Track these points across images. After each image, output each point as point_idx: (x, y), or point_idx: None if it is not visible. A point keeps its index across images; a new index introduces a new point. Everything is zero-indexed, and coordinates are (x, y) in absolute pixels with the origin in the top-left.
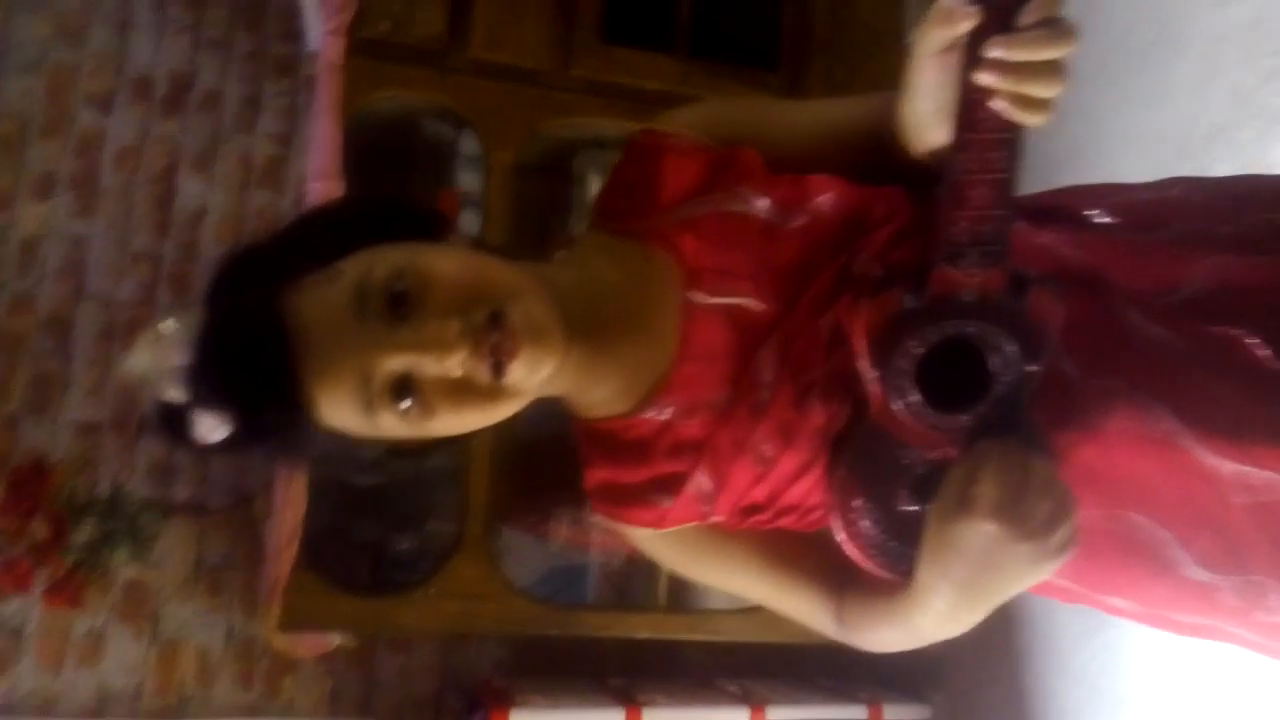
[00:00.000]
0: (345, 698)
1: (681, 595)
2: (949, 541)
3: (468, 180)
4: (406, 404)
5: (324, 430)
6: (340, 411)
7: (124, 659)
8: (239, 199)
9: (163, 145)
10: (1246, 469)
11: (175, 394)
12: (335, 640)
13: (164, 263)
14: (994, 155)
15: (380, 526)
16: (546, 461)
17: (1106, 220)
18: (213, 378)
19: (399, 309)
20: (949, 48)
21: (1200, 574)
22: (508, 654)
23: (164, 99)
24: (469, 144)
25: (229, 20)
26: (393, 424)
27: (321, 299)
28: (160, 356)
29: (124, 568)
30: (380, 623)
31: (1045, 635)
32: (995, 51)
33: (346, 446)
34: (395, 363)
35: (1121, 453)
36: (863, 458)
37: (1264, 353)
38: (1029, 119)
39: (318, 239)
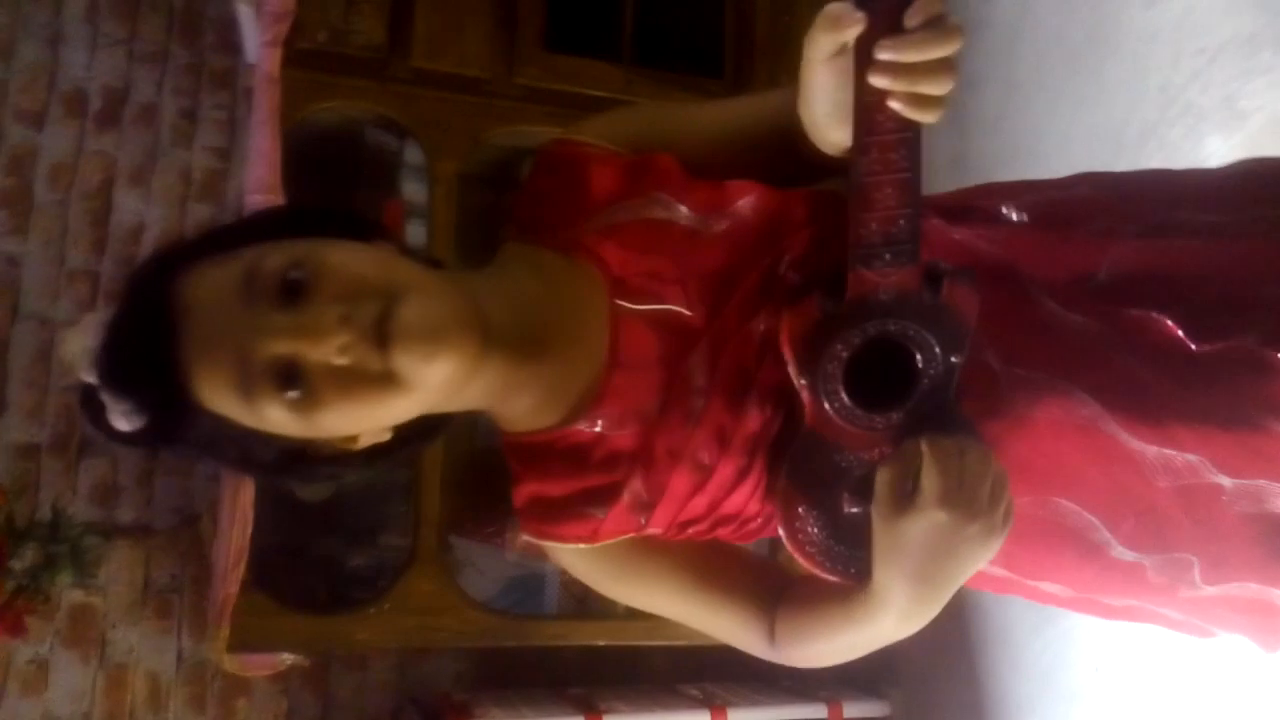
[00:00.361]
0: (301, 717)
1: None
2: (900, 538)
3: (412, 190)
4: (293, 394)
5: (213, 418)
6: (219, 395)
7: (71, 686)
8: (178, 214)
9: (98, 160)
10: (1168, 452)
11: (89, 376)
12: (287, 660)
13: (102, 280)
14: (895, 155)
15: (331, 543)
16: (500, 472)
17: (1016, 218)
18: (105, 359)
19: (291, 297)
20: (839, 52)
21: (1126, 554)
22: (467, 667)
23: (98, 114)
24: (413, 154)
25: (164, 33)
26: (278, 415)
27: (211, 280)
28: (85, 339)
29: (68, 592)
30: (334, 641)
31: (998, 630)
32: (885, 54)
33: (245, 442)
34: (274, 347)
35: (1048, 441)
36: (801, 465)
37: (1178, 335)
38: (925, 116)
39: (230, 231)
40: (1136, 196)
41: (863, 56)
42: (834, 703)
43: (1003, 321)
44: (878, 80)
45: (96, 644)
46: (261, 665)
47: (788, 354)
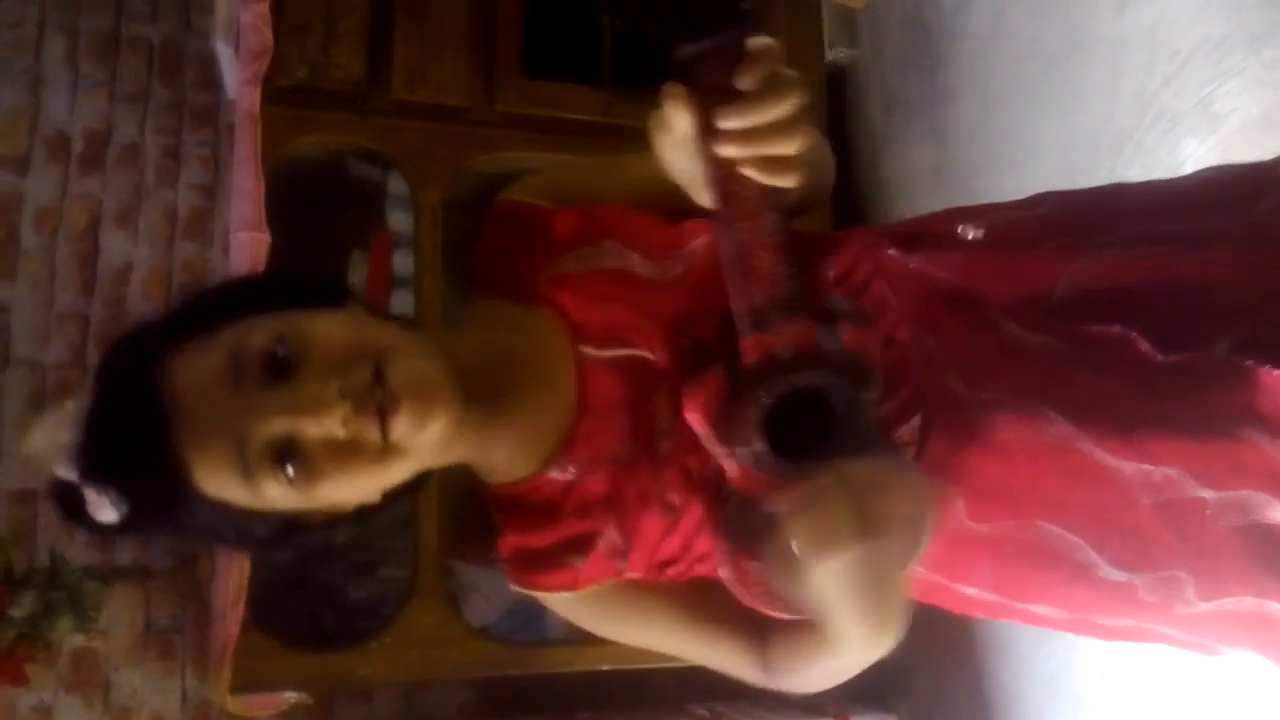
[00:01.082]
0: None
1: None
2: (831, 586)
3: (398, 220)
4: (289, 469)
5: (209, 503)
6: (218, 480)
7: None
8: (165, 253)
9: (83, 203)
10: (1145, 467)
11: (65, 472)
12: (291, 698)
13: (92, 322)
14: (762, 221)
15: (332, 578)
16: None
17: (972, 236)
18: (91, 454)
19: (278, 373)
20: (681, 140)
21: (1115, 574)
22: (472, 697)
23: (81, 156)
24: (396, 185)
25: (145, 73)
26: (278, 492)
27: (195, 368)
28: (54, 434)
29: (69, 637)
30: (337, 677)
31: (1004, 639)
32: (727, 123)
33: (239, 518)
34: (272, 426)
35: (1022, 463)
36: (738, 527)
37: (1145, 348)
38: (781, 180)
39: (201, 311)
40: (1098, 211)
41: (705, 133)
42: (842, 716)
43: (965, 347)
44: (726, 150)
45: (100, 688)
46: (265, 705)
47: (699, 426)
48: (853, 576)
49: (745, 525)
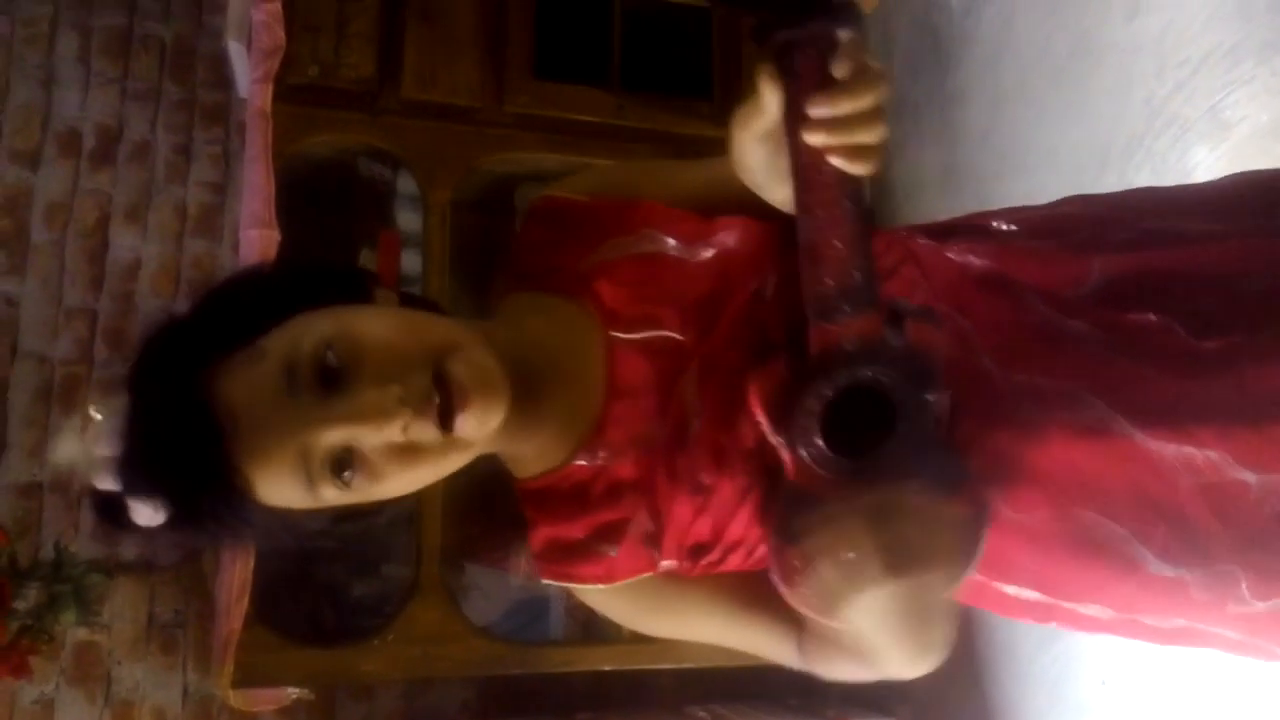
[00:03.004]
0: None
1: None
2: (864, 621)
3: (407, 220)
4: (348, 474)
5: (266, 508)
6: (281, 492)
7: None
8: (174, 249)
9: (93, 199)
10: (1187, 449)
11: (108, 484)
12: (293, 693)
13: (100, 318)
14: (839, 210)
15: (335, 574)
16: (503, 495)
17: (1006, 229)
18: (145, 470)
19: (332, 381)
20: (770, 130)
21: (1165, 569)
22: (473, 695)
23: (92, 152)
24: (406, 184)
25: (156, 71)
26: (336, 495)
27: (249, 381)
28: (88, 446)
29: (72, 631)
30: (339, 674)
31: (1005, 644)
32: (820, 110)
33: (293, 519)
34: (334, 436)
35: (1059, 448)
36: (789, 521)
37: (1180, 333)
38: (863, 169)
39: (239, 314)
40: (1124, 208)
41: (793, 119)
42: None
43: (1000, 329)
44: (813, 138)
45: (102, 681)
46: (268, 700)
47: (760, 415)
48: (885, 609)
49: (796, 521)
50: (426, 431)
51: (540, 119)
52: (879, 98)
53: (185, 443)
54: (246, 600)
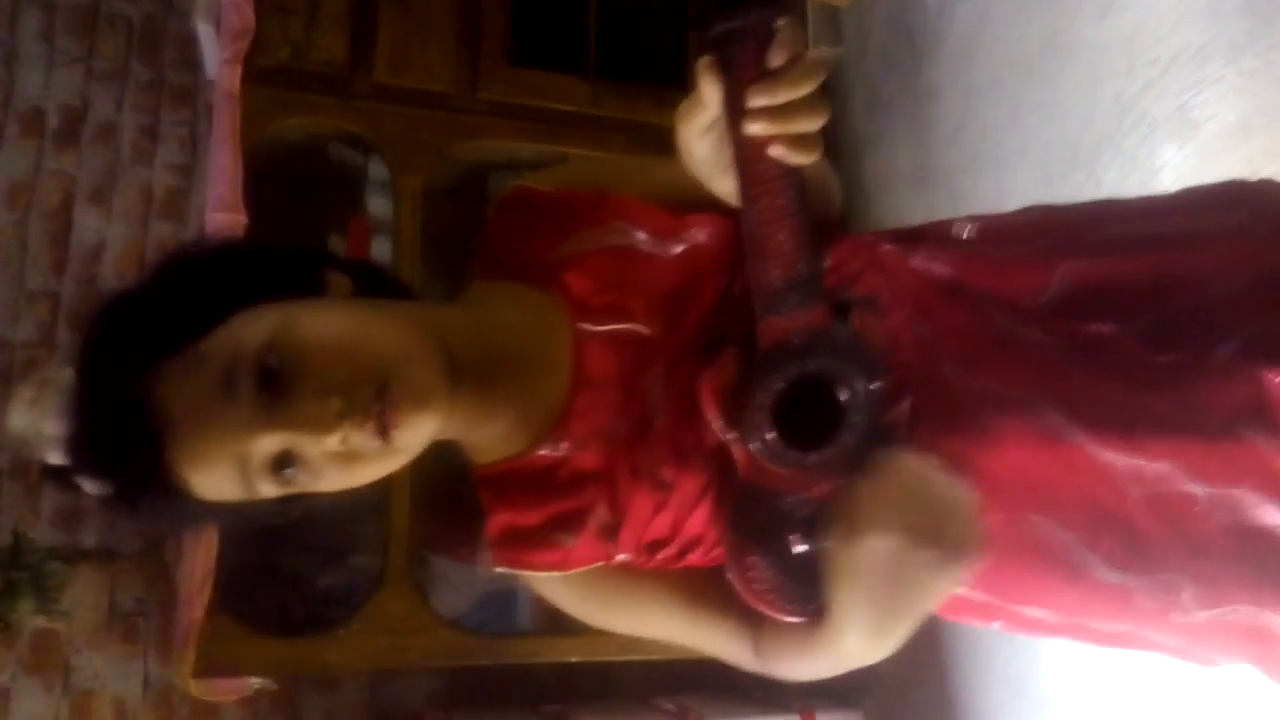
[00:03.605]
0: None
1: None
2: (855, 565)
3: (378, 206)
4: (290, 471)
5: (206, 501)
6: (219, 491)
7: (34, 714)
8: (139, 232)
9: (57, 180)
10: (1138, 461)
11: (56, 459)
12: (255, 684)
13: (63, 301)
14: (783, 200)
15: (300, 564)
16: (470, 488)
17: (967, 235)
18: (87, 457)
19: (273, 384)
20: (712, 124)
21: (1111, 575)
22: (439, 686)
23: (56, 132)
24: (377, 170)
25: (123, 50)
26: (277, 490)
27: (187, 385)
28: (38, 419)
29: (30, 619)
30: (303, 663)
31: (968, 638)
32: (760, 99)
33: (235, 508)
34: (270, 443)
35: (1013, 454)
36: (746, 517)
37: (1135, 345)
38: (805, 157)
39: (185, 306)
40: (1088, 214)
41: (734, 110)
42: (807, 713)
43: (960, 337)
44: (754, 128)
45: (60, 670)
46: (229, 690)
47: (711, 411)
48: (882, 565)
49: (751, 519)
50: (366, 441)
51: (514, 106)
52: (816, 84)
53: (121, 441)
54: (209, 589)
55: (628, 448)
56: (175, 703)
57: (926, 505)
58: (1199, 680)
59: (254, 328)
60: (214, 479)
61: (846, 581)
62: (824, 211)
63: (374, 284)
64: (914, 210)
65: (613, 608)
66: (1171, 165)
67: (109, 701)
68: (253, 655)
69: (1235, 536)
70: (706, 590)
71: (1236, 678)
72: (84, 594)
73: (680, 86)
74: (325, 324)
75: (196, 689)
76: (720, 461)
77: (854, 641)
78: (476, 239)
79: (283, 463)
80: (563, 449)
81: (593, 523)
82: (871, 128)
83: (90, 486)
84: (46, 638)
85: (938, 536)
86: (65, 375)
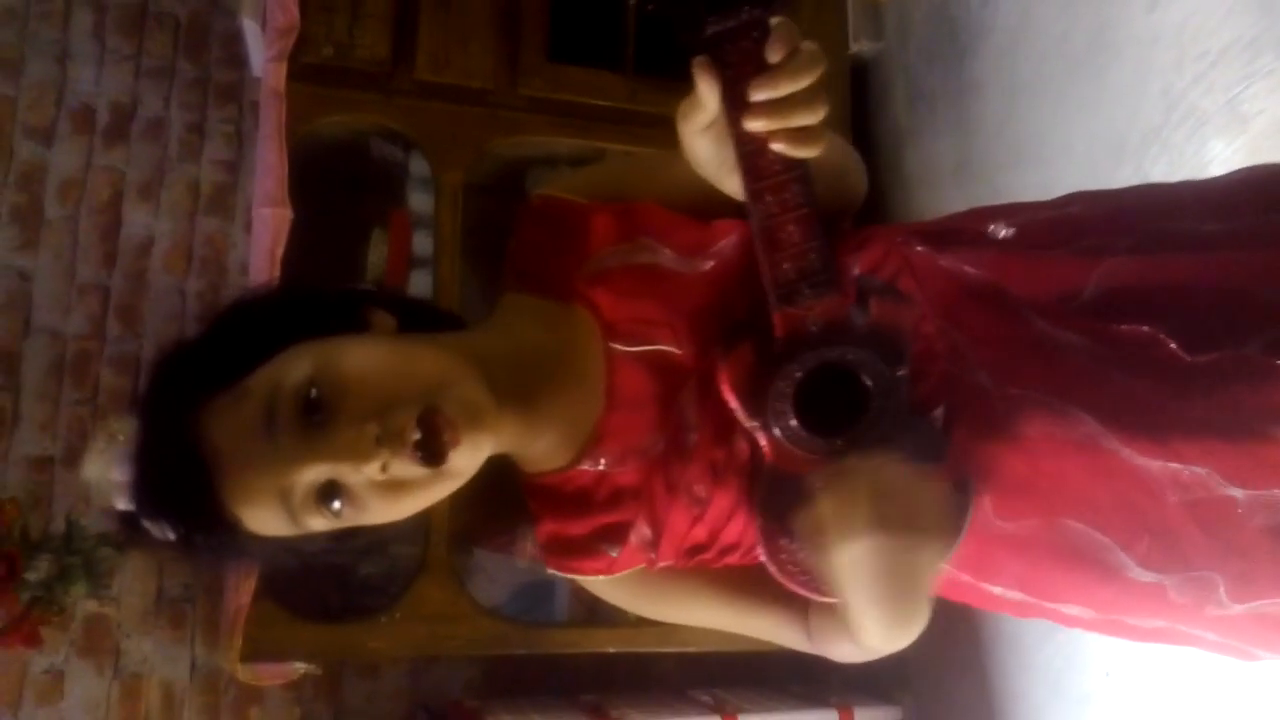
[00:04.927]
0: None
1: None
2: (847, 570)
3: (419, 201)
4: (336, 505)
5: (261, 537)
6: (269, 526)
7: (85, 696)
8: (187, 227)
9: (107, 175)
10: (1173, 466)
11: (122, 505)
12: (300, 669)
13: (112, 294)
14: (789, 194)
15: (342, 552)
16: (510, 481)
17: (1003, 235)
18: (146, 500)
19: (314, 416)
20: (711, 123)
21: (1145, 575)
22: (478, 674)
23: (106, 129)
24: (418, 165)
25: (171, 48)
26: (326, 524)
27: (231, 422)
28: (107, 469)
29: (82, 603)
30: (345, 650)
31: (1009, 634)
32: (760, 94)
33: (292, 544)
34: (312, 474)
35: (1048, 460)
36: (776, 501)
37: (1173, 347)
38: (807, 150)
39: (231, 349)
40: (1130, 210)
41: (733, 108)
42: (845, 708)
43: (993, 343)
44: (755, 124)
45: (111, 654)
46: (274, 674)
47: (732, 401)
48: (868, 565)
49: (779, 502)
50: (408, 469)
51: (553, 103)
52: (815, 77)
53: (174, 482)
54: (256, 575)
55: (663, 465)
56: (221, 687)
57: (891, 496)
58: (1241, 681)
59: (296, 363)
60: (262, 514)
61: (844, 589)
62: (845, 197)
63: (418, 317)
64: (954, 206)
65: (661, 602)
66: (1220, 160)
67: (157, 685)
68: (297, 641)
69: (1275, 536)
70: (750, 580)
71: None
72: (133, 580)
73: None
74: (365, 355)
75: (243, 673)
76: (754, 474)
77: (873, 637)
78: (507, 248)
79: (328, 494)
80: (602, 465)
81: (634, 536)
82: (913, 121)
83: (155, 531)
84: (98, 622)
85: (910, 522)
86: (131, 424)
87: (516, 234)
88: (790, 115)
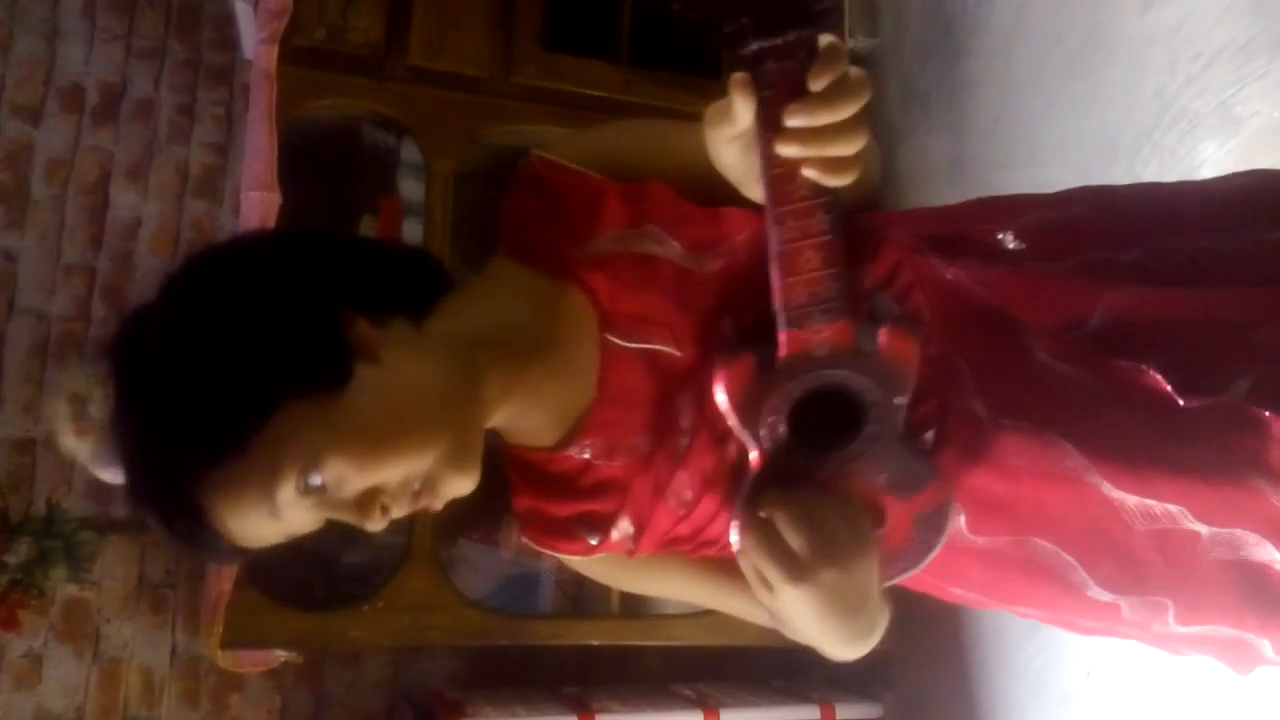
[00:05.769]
0: (294, 713)
1: (634, 601)
2: (788, 614)
3: (409, 188)
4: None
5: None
6: (265, 541)
7: (64, 680)
8: (175, 209)
9: (95, 156)
10: (1149, 501)
11: (107, 478)
12: (281, 656)
13: (98, 276)
14: (813, 221)
15: (326, 540)
16: (495, 471)
17: (1013, 246)
18: (140, 508)
19: (318, 493)
20: (740, 135)
21: (1103, 595)
22: (461, 665)
23: (95, 109)
24: (410, 152)
25: (162, 29)
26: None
27: (234, 499)
28: (90, 459)
29: (62, 587)
30: (327, 638)
31: (990, 633)
32: (796, 120)
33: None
34: (315, 521)
35: (1029, 486)
36: (756, 503)
37: (1166, 387)
38: (840, 180)
39: (223, 413)
40: (1134, 214)
41: (767, 130)
42: (826, 704)
43: (993, 371)
44: (787, 150)
45: (90, 639)
46: (255, 662)
47: (727, 408)
48: (804, 606)
49: (760, 500)
50: (403, 509)
51: (547, 91)
52: (857, 107)
53: (171, 526)
54: (237, 562)
55: (652, 465)
56: (202, 673)
57: (794, 538)
58: (1221, 681)
59: (294, 447)
60: (259, 542)
61: (793, 625)
62: (863, 193)
63: (404, 296)
64: (948, 204)
65: (640, 578)
66: (1212, 162)
67: (137, 670)
68: (279, 628)
69: (1231, 570)
70: (726, 563)
71: (1262, 680)
72: (114, 564)
73: (713, 75)
74: (362, 438)
75: (224, 660)
76: (737, 478)
77: (838, 654)
78: (501, 209)
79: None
80: (587, 454)
81: (615, 530)
82: (906, 119)
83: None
84: (78, 606)
85: (832, 549)
86: (94, 386)
87: (513, 197)
88: (825, 144)
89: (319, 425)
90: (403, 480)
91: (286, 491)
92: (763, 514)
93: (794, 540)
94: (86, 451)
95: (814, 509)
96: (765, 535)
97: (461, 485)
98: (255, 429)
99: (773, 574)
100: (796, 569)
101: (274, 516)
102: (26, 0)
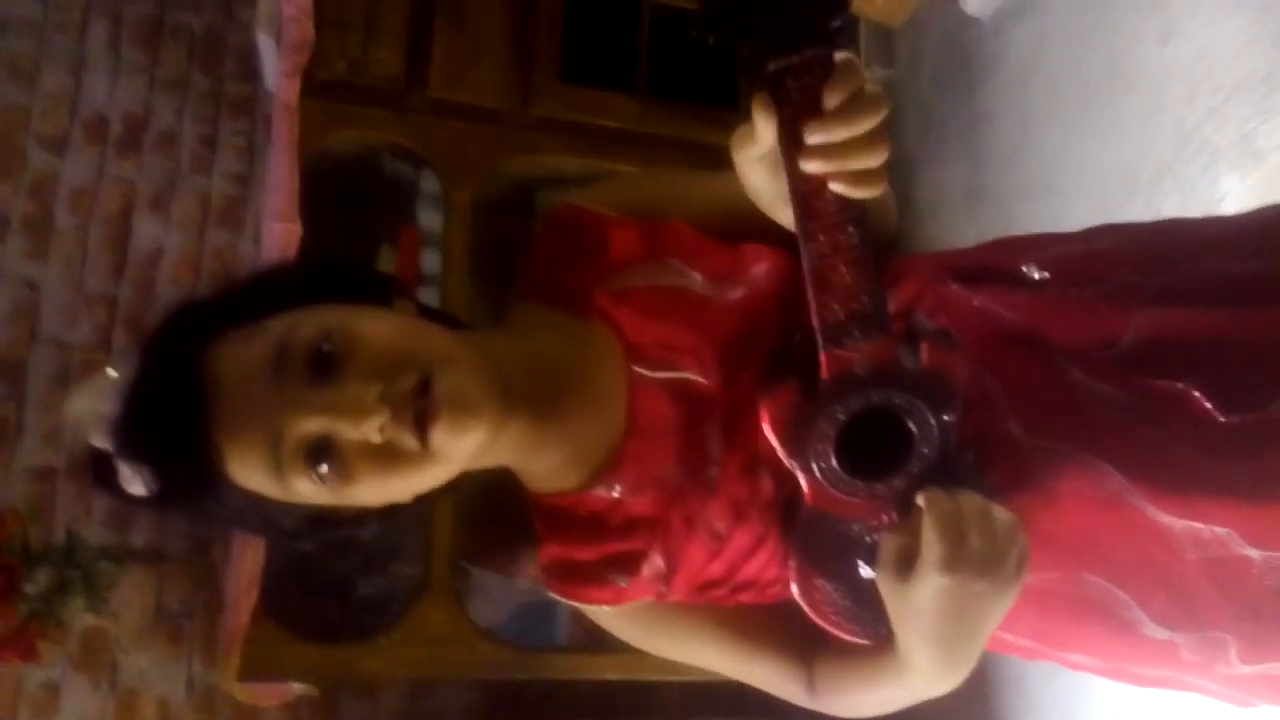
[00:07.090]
0: None
1: None
2: (909, 605)
3: (428, 219)
4: (323, 468)
5: (240, 491)
6: (250, 472)
7: (81, 711)
8: (196, 240)
9: (118, 186)
10: (1196, 525)
11: (102, 442)
12: (297, 689)
13: (120, 305)
14: (843, 235)
15: (343, 571)
16: (512, 500)
17: (1038, 276)
18: (130, 430)
19: (322, 370)
20: (765, 154)
21: (1160, 632)
22: (476, 698)
23: (119, 140)
24: (429, 183)
25: (185, 61)
26: (309, 489)
27: (241, 355)
28: (95, 403)
29: (80, 617)
30: (343, 671)
31: (1016, 672)
32: (815, 137)
33: (268, 509)
34: (309, 425)
35: (1073, 514)
36: (810, 542)
37: (1207, 405)
38: (866, 192)
39: (255, 295)
40: (1161, 246)
41: (790, 146)
42: None
43: (1027, 392)
44: (810, 165)
45: (108, 669)
46: (271, 695)
47: (774, 439)
48: (942, 601)
49: (816, 542)
50: (404, 438)
51: (564, 123)
52: (875, 121)
53: (166, 407)
54: (255, 593)
55: (682, 498)
56: (218, 705)
57: (977, 536)
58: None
59: (315, 316)
60: (248, 459)
61: (908, 623)
62: (882, 232)
63: (435, 318)
64: (965, 235)
65: (662, 638)
66: (1234, 196)
67: (153, 701)
68: (295, 661)
69: None
70: (758, 626)
71: None
72: (132, 595)
73: (729, 105)
74: (383, 323)
75: (240, 693)
76: (776, 513)
77: (923, 677)
78: (523, 256)
79: (318, 454)
80: (616, 492)
81: (647, 568)
82: (923, 150)
83: (129, 478)
84: (96, 636)
85: (990, 566)
86: (128, 365)
87: (537, 242)
88: (848, 158)
89: (346, 308)
90: (403, 370)
91: (296, 356)
92: (959, 497)
93: (975, 537)
94: (98, 391)
95: (1000, 524)
96: (952, 515)
97: (463, 405)
98: (282, 307)
99: (936, 552)
100: (961, 559)
101: (275, 386)
102: (52, 33)
